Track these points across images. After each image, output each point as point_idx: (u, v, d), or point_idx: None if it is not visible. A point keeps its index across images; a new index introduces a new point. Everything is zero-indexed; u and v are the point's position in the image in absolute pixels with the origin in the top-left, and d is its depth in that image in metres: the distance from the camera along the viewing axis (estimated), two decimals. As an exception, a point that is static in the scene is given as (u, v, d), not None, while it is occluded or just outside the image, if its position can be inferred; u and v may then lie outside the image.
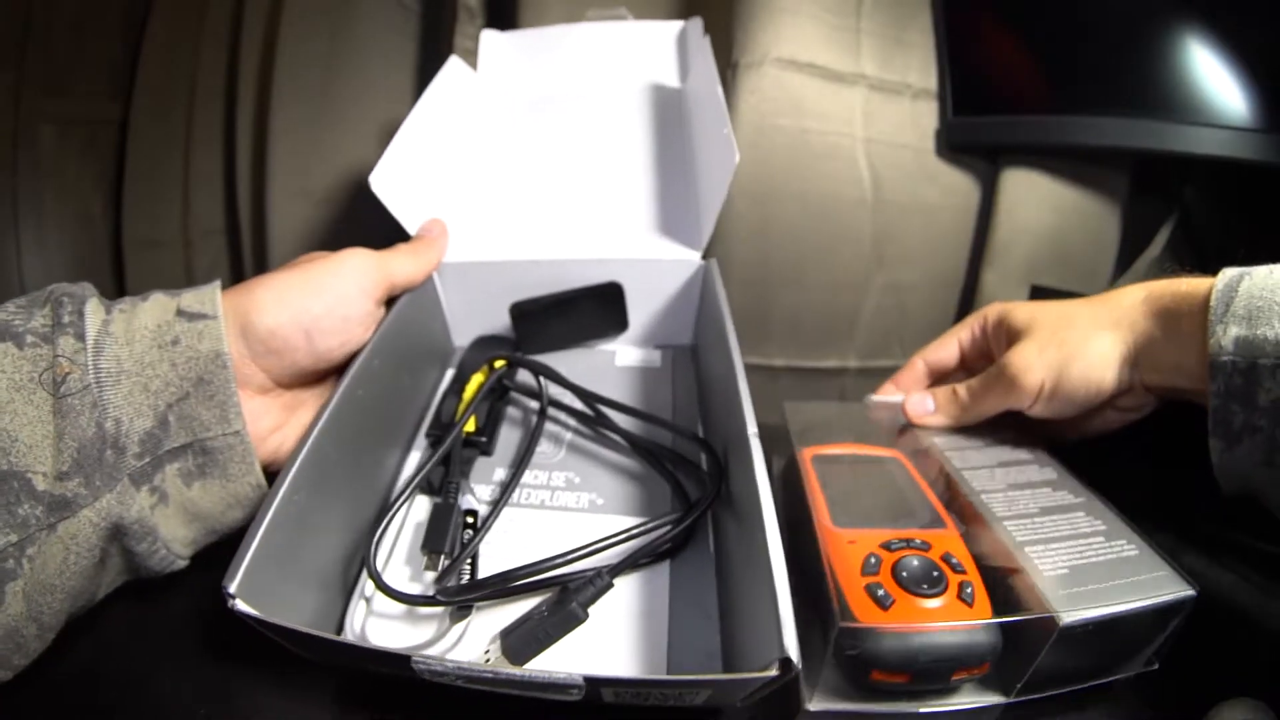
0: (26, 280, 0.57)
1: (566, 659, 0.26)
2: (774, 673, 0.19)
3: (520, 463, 0.35)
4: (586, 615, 0.26)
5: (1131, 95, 0.55)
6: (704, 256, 0.43)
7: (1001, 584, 0.25)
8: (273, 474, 0.30)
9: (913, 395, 0.39)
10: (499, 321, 0.44)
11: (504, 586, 0.28)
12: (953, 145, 0.62)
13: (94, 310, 0.28)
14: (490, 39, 0.56)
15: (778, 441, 0.36)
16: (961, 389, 0.38)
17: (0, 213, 0.56)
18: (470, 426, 0.36)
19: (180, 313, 0.30)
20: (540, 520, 0.33)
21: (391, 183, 0.39)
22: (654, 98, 0.55)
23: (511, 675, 0.22)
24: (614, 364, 0.44)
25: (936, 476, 0.33)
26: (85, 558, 0.27)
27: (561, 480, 0.35)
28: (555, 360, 0.41)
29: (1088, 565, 0.27)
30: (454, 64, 0.51)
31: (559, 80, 0.56)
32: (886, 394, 0.42)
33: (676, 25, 0.59)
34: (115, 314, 0.29)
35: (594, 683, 0.21)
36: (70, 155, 0.58)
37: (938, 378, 0.43)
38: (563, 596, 0.27)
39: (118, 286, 0.61)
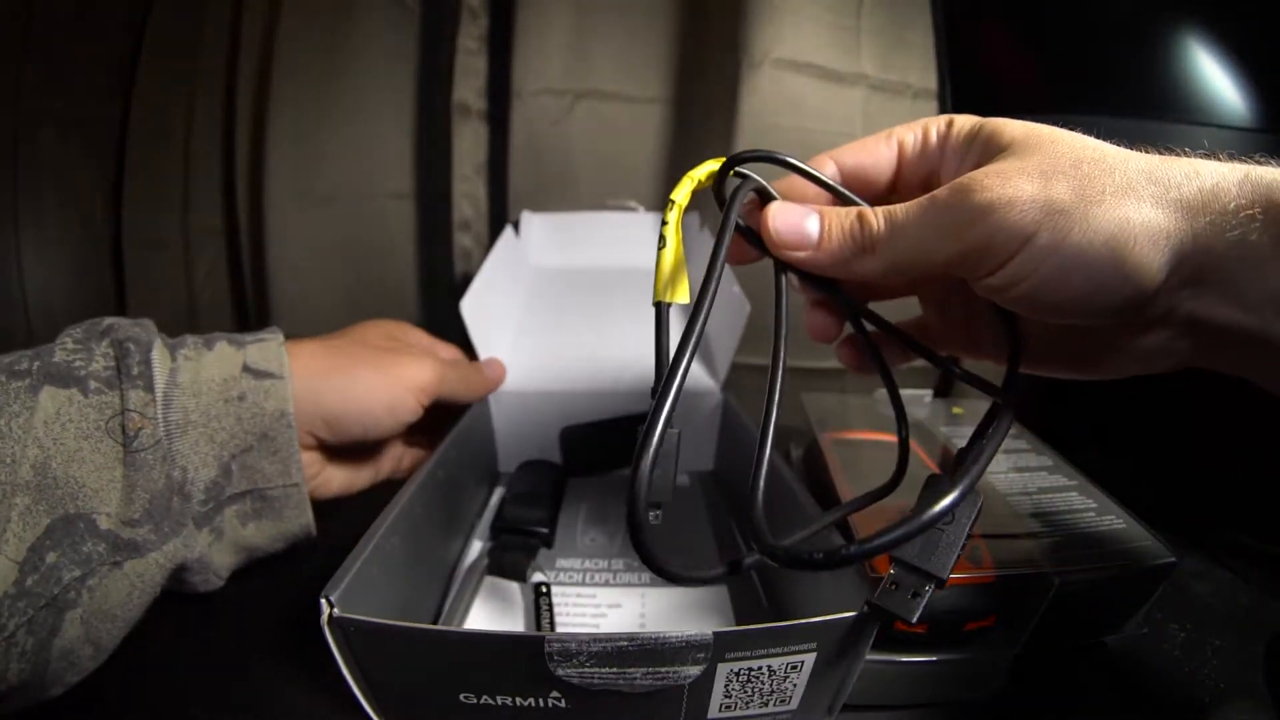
0: (27, 280, 0.59)
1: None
2: (865, 610, 0.24)
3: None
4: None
5: (1132, 96, 0.58)
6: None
7: (1005, 549, 0.30)
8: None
9: (785, 208, 0.26)
10: (543, 450, 0.51)
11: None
12: (953, 145, 0.66)
13: (160, 358, 0.30)
14: (528, 218, 0.68)
15: (793, 431, 0.40)
16: (877, 214, 0.25)
17: (0, 212, 0.58)
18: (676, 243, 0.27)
19: (247, 369, 0.32)
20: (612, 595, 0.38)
21: (475, 311, 0.46)
22: None
23: (646, 641, 0.24)
24: None
25: (944, 460, 0.37)
26: (149, 593, 0.29)
27: (620, 564, 0.40)
28: (598, 481, 0.49)
29: (1081, 534, 0.31)
30: (508, 232, 0.61)
31: (586, 252, 0.68)
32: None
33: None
34: (181, 362, 0.31)
35: (721, 639, 0.24)
36: (70, 155, 0.61)
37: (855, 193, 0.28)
38: (935, 488, 0.23)
39: (118, 286, 0.64)
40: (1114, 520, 0.33)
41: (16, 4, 0.59)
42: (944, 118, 0.27)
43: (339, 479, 0.39)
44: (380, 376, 0.38)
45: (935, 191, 0.24)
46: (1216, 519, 0.42)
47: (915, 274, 0.25)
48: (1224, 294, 0.21)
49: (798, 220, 0.26)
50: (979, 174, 0.23)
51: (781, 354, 0.26)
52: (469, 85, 0.70)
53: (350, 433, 0.37)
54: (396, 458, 0.44)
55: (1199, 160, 0.22)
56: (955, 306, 0.30)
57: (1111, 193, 0.21)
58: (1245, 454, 0.43)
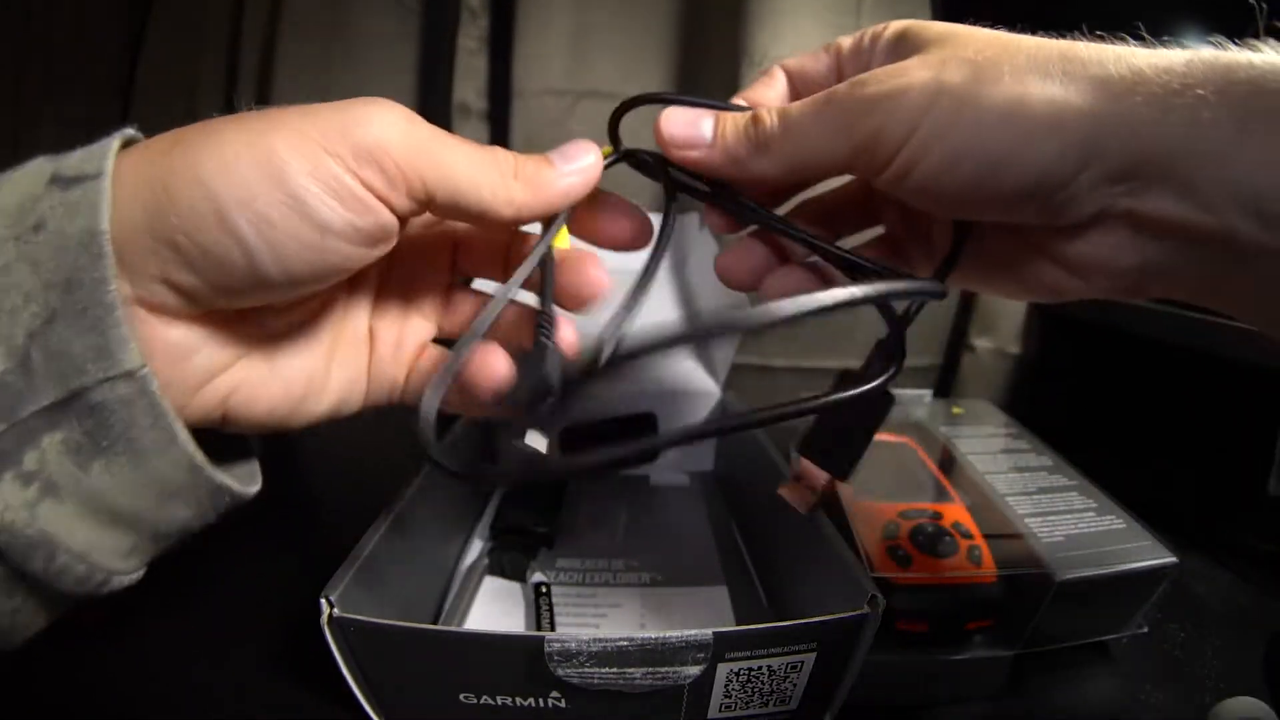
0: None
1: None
2: (867, 610, 0.24)
3: None
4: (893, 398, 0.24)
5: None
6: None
7: (1005, 549, 0.30)
8: (231, 437, 0.22)
9: (678, 111, 0.25)
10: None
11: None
12: (952, 146, 0.66)
13: None
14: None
15: (793, 431, 0.40)
16: (771, 114, 0.24)
17: (0, 213, 0.58)
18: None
19: (56, 180, 0.18)
20: (611, 595, 0.38)
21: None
22: (663, 269, 0.64)
23: (646, 641, 0.24)
24: (648, 483, 0.52)
25: (944, 459, 0.37)
26: None
27: (620, 564, 0.40)
28: (598, 481, 0.50)
29: (1081, 534, 0.31)
30: None
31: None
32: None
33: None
34: None
35: (722, 639, 0.24)
36: (70, 155, 0.61)
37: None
38: (848, 379, 0.23)
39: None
40: (1114, 520, 0.33)
41: (16, 4, 0.59)
42: (881, 25, 0.26)
43: (276, 388, 0.23)
44: (288, 138, 0.19)
45: (834, 88, 0.23)
46: (1216, 519, 0.42)
47: (815, 174, 0.24)
48: (1175, 189, 0.19)
49: (691, 119, 0.25)
50: (878, 70, 0.22)
51: (658, 266, 0.26)
52: (469, 85, 0.70)
53: (230, 248, 0.19)
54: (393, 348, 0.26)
55: (1140, 49, 0.20)
56: (914, 213, 0.28)
57: (1011, 72, 0.19)
58: (1245, 454, 0.43)
